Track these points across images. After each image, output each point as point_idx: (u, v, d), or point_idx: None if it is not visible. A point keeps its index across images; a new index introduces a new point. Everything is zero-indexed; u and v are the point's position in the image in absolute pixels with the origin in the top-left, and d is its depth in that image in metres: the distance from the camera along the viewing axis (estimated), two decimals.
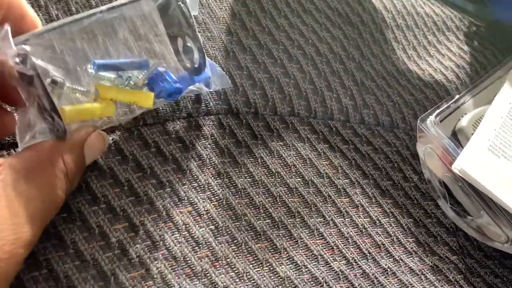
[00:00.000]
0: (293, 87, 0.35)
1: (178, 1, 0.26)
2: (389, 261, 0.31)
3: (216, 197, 0.28)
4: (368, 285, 0.29)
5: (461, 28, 0.49)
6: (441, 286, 0.32)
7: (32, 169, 0.22)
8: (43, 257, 0.23)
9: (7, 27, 0.21)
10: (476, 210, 0.35)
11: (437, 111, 0.36)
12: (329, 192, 0.32)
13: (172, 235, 0.26)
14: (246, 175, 0.30)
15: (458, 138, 0.36)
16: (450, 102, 0.37)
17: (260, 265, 0.27)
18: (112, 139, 0.28)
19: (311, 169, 0.33)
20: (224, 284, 0.26)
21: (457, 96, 0.37)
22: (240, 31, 0.35)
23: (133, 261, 0.25)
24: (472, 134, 0.35)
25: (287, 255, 0.28)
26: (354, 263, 0.30)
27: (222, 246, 0.27)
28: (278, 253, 0.28)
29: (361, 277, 0.30)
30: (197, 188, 0.28)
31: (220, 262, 0.26)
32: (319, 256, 0.29)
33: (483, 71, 0.45)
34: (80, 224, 0.25)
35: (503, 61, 0.42)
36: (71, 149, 0.24)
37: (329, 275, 0.29)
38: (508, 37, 0.49)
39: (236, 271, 0.27)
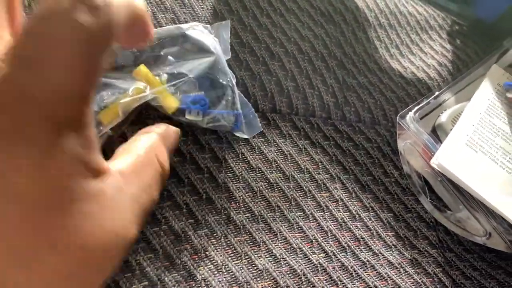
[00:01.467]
0: (275, 84, 0.36)
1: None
2: (368, 254, 0.32)
3: (196, 191, 0.29)
4: (347, 278, 0.30)
5: (444, 27, 0.50)
6: (420, 279, 0.32)
7: (137, 173, 0.21)
8: None
9: None
10: (456, 205, 0.36)
11: (417, 107, 0.36)
12: (309, 187, 0.33)
13: (152, 228, 0.27)
14: (226, 170, 0.31)
15: (437, 134, 0.37)
16: (430, 98, 0.37)
17: (239, 257, 0.28)
18: None
19: (292, 164, 0.33)
20: (203, 276, 0.26)
21: (437, 93, 0.38)
22: None
23: None
24: (451, 130, 0.36)
25: (266, 248, 0.29)
26: (333, 256, 0.30)
27: (201, 240, 0.27)
28: (257, 246, 0.29)
29: (340, 270, 0.30)
30: (176, 182, 0.29)
31: (199, 254, 0.27)
32: (298, 249, 0.30)
33: (465, 69, 0.46)
34: None
35: (484, 59, 0.43)
36: (163, 148, 0.24)
37: (308, 267, 0.29)
38: (490, 35, 0.50)
39: (215, 264, 0.27)
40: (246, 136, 0.32)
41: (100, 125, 0.27)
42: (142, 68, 0.29)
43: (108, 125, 0.27)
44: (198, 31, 0.31)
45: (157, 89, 0.28)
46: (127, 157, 0.21)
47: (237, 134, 0.32)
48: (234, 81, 0.31)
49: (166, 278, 0.26)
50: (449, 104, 0.39)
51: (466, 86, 0.41)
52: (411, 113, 0.36)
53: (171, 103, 0.29)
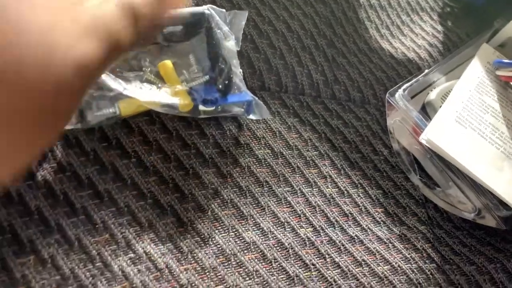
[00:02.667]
0: (263, 62, 0.36)
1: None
2: (356, 229, 0.32)
3: (182, 167, 0.29)
4: (335, 251, 0.30)
5: (435, 9, 0.49)
6: (409, 254, 0.32)
7: None
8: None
9: None
10: (445, 181, 0.36)
11: (406, 85, 0.36)
12: (298, 163, 0.33)
13: (137, 202, 0.27)
14: (213, 146, 0.30)
15: (426, 111, 0.37)
16: (419, 76, 0.37)
17: (226, 230, 0.28)
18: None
19: (281, 141, 0.33)
20: (189, 248, 0.26)
21: (426, 71, 0.38)
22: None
23: (97, 226, 0.25)
24: (440, 107, 0.35)
25: (253, 221, 0.29)
26: (321, 231, 0.30)
27: (187, 213, 0.27)
28: (245, 220, 0.29)
29: (328, 244, 0.30)
30: (162, 158, 0.28)
31: (185, 227, 0.27)
32: (285, 223, 0.30)
33: (456, 50, 0.46)
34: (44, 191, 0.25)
35: (475, 39, 0.43)
36: None
37: (295, 241, 0.29)
38: (481, 17, 0.49)
39: (202, 236, 0.27)
40: (259, 118, 0.32)
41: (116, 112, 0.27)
42: (168, 63, 0.29)
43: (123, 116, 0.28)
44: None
45: (177, 89, 0.28)
46: None
47: (250, 117, 0.32)
48: (238, 71, 0.31)
49: (152, 250, 0.25)
50: (439, 84, 0.39)
51: (456, 66, 0.41)
52: (400, 91, 0.36)
53: (187, 104, 0.29)
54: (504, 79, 0.38)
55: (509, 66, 0.37)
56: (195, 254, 0.26)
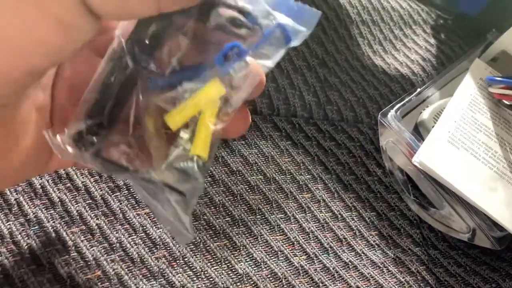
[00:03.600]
0: None
1: None
2: (350, 254, 0.32)
3: None
4: (329, 279, 0.30)
5: (428, 22, 0.49)
6: (403, 277, 0.32)
7: None
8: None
9: None
10: (439, 202, 0.36)
11: (398, 105, 0.36)
12: (291, 188, 0.33)
13: (129, 236, 0.27)
14: (206, 175, 0.30)
15: (419, 131, 0.37)
16: (412, 95, 0.37)
17: (219, 263, 0.28)
18: None
19: (273, 166, 0.33)
20: (181, 283, 0.26)
21: (418, 89, 0.38)
22: None
23: (89, 263, 0.25)
24: (433, 127, 0.35)
25: (246, 252, 0.29)
26: (315, 258, 0.30)
27: (179, 246, 0.27)
28: (237, 251, 0.29)
29: (322, 272, 0.30)
30: None
31: (177, 261, 0.27)
32: (279, 252, 0.30)
33: (449, 64, 0.46)
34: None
35: (468, 52, 0.43)
36: None
37: (289, 270, 0.29)
38: (475, 29, 0.49)
39: (194, 270, 0.27)
40: (306, 30, 0.22)
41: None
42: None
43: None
44: None
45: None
46: None
47: (297, 40, 0.22)
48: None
49: (144, 286, 0.25)
50: (433, 100, 0.39)
51: (450, 81, 0.41)
52: (392, 111, 0.36)
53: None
54: (497, 97, 0.37)
55: (501, 83, 0.37)
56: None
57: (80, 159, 0.19)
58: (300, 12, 0.21)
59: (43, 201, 0.26)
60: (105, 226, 0.26)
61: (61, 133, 0.19)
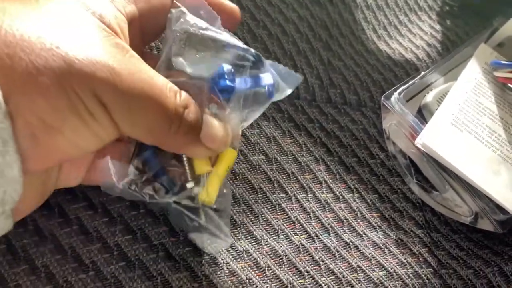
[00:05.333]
0: None
1: None
2: (351, 235, 0.32)
3: None
4: (329, 258, 0.30)
5: (433, 8, 0.49)
6: (405, 259, 0.32)
7: None
8: None
9: None
10: (442, 185, 0.35)
11: (402, 87, 0.36)
12: (293, 169, 0.33)
13: (130, 212, 0.27)
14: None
15: (423, 114, 0.36)
16: (416, 78, 0.37)
17: None
18: None
19: (275, 147, 0.33)
20: (181, 257, 0.26)
21: (422, 73, 0.38)
22: None
23: (90, 236, 0.25)
24: (436, 110, 0.35)
25: (246, 230, 0.29)
26: (315, 237, 0.30)
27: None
28: (238, 228, 0.29)
29: (322, 250, 0.30)
30: None
31: (176, 237, 0.27)
32: (279, 231, 0.30)
33: (454, 50, 0.45)
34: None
35: (473, 38, 0.42)
36: None
37: (289, 248, 0.29)
38: (480, 15, 0.49)
39: (194, 245, 0.27)
40: (289, 92, 0.27)
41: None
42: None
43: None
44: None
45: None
46: None
47: (279, 98, 0.27)
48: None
49: (144, 259, 0.26)
50: (437, 85, 0.39)
51: (455, 67, 0.41)
52: (396, 94, 0.36)
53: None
54: (502, 81, 0.37)
55: (507, 67, 0.37)
56: (187, 263, 0.26)
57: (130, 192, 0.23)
58: (287, 75, 0.27)
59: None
60: (106, 203, 0.27)
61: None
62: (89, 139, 0.19)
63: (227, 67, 0.24)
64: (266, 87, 0.25)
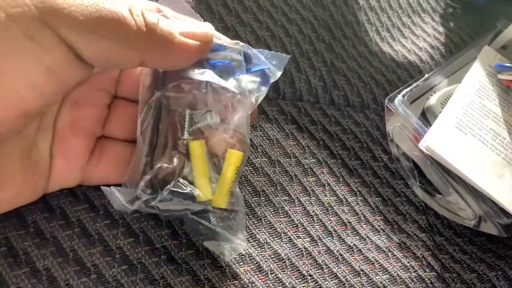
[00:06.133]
0: None
1: None
2: (355, 238, 0.31)
3: None
4: (332, 262, 0.30)
5: (437, 10, 0.49)
6: (408, 262, 0.32)
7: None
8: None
9: None
10: (446, 188, 0.35)
11: (406, 90, 0.36)
12: (295, 171, 0.32)
13: (132, 214, 0.26)
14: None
15: (426, 116, 0.36)
16: (419, 81, 0.37)
17: None
18: None
19: (278, 149, 0.33)
20: (183, 260, 0.26)
21: (426, 75, 0.37)
22: (205, 14, 0.35)
23: (92, 238, 0.25)
24: (440, 112, 0.35)
25: (249, 233, 0.29)
26: (319, 240, 0.30)
27: (181, 226, 0.27)
28: None
29: (325, 254, 0.30)
30: None
31: (179, 240, 0.27)
32: (282, 234, 0.29)
33: (458, 52, 0.45)
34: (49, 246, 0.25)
35: (477, 41, 0.42)
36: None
37: (292, 251, 0.29)
38: (484, 17, 0.49)
39: (196, 248, 0.27)
40: (279, 73, 0.27)
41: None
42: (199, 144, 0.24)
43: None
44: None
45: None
46: None
47: (272, 80, 0.27)
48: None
49: (146, 262, 0.25)
50: (441, 88, 0.39)
51: (458, 69, 0.40)
52: (399, 96, 0.35)
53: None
54: (506, 83, 0.37)
55: (511, 70, 0.37)
56: (189, 267, 0.26)
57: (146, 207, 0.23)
58: (274, 58, 0.27)
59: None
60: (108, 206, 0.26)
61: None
62: (35, 68, 0.18)
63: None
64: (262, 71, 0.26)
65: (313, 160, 0.33)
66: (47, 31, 0.18)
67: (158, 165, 0.23)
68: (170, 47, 0.21)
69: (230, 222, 0.25)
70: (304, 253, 0.29)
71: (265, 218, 0.30)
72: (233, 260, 0.27)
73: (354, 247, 0.31)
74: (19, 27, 0.17)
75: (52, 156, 0.23)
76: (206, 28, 0.23)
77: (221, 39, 0.26)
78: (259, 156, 0.32)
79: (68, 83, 0.20)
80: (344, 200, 0.33)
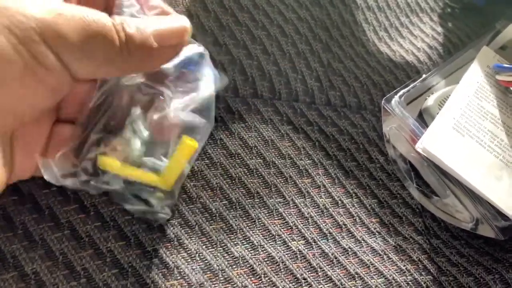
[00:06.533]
0: (256, 69, 0.35)
1: None
2: (350, 241, 0.31)
3: None
4: (327, 265, 0.29)
5: (435, 10, 0.48)
6: (404, 266, 0.31)
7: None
8: None
9: None
10: (443, 190, 0.35)
11: (402, 91, 0.35)
12: (291, 173, 0.32)
13: (123, 216, 0.26)
14: (203, 157, 0.30)
15: (423, 118, 0.36)
16: (417, 81, 0.36)
17: (214, 245, 0.27)
18: None
19: (273, 150, 0.32)
20: (175, 264, 0.26)
21: (424, 76, 0.37)
22: (201, 12, 0.35)
23: (82, 241, 0.25)
24: (437, 114, 0.35)
25: (243, 235, 0.28)
26: (313, 243, 0.30)
27: (174, 228, 0.27)
28: (234, 234, 0.28)
29: (320, 257, 0.29)
30: None
31: (171, 243, 0.26)
32: (276, 236, 0.29)
33: (456, 52, 0.45)
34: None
35: (475, 41, 0.42)
36: None
37: (287, 254, 0.28)
38: (483, 18, 0.48)
39: (189, 252, 0.26)
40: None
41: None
42: (104, 160, 0.24)
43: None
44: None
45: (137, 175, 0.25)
46: None
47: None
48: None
49: (137, 266, 0.25)
50: (438, 88, 0.38)
51: (456, 70, 0.40)
52: (396, 97, 0.35)
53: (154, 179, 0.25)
54: (504, 84, 0.37)
55: (510, 71, 0.36)
56: (181, 270, 0.26)
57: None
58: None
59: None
60: (100, 207, 0.26)
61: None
62: (38, 89, 0.19)
63: None
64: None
65: (308, 161, 0.33)
66: (51, 54, 0.18)
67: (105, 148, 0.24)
68: (150, 58, 0.22)
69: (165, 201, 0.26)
70: (299, 256, 0.29)
71: (259, 220, 0.29)
72: (226, 263, 0.27)
73: (349, 249, 0.30)
74: (27, 51, 0.18)
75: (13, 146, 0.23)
76: (182, 22, 0.23)
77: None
78: (254, 157, 0.31)
79: (61, 96, 0.21)
80: (339, 202, 0.32)
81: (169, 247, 0.26)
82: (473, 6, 0.49)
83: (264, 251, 0.28)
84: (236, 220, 0.28)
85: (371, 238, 0.32)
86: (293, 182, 0.32)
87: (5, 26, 0.17)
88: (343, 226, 0.31)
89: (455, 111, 0.34)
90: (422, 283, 0.31)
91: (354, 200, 0.33)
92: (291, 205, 0.31)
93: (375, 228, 0.32)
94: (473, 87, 0.36)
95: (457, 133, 0.33)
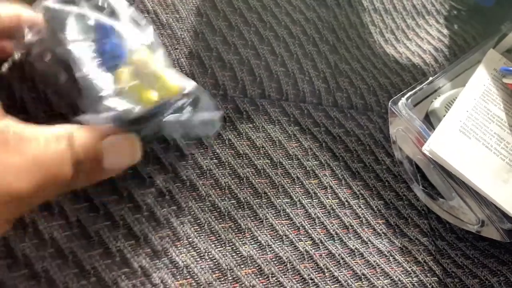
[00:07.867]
0: (264, 69, 0.35)
1: None
2: (356, 242, 0.31)
3: (180, 178, 0.28)
4: (334, 265, 0.29)
5: (441, 12, 0.48)
6: (410, 267, 0.32)
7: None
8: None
9: None
10: (448, 192, 0.35)
11: (410, 93, 0.36)
12: (298, 174, 0.32)
13: (133, 215, 0.26)
14: (212, 156, 0.30)
15: (430, 120, 0.36)
16: (424, 84, 0.37)
17: (223, 244, 0.27)
18: None
19: (280, 150, 0.33)
20: (185, 263, 0.26)
21: (430, 78, 0.37)
22: (210, 12, 0.35)
23: (92, 240, 0.25)
24: (444, 116, 0.35)
25: (251, 235, 0.28)
26: (320, 244, 0.30)
27: (184, 226, 0.27)
28: (242, 233, 0.28)
29: (327, 258, 0.29)
30: (160, 169, 0.28)
31: (181, 241, 0.26)
32: (284, 236, 0.29)
33: (462, 55, 0.45)
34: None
35: (481, 44, 0.42)
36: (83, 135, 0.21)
37: (294, 255, 0.29)
38: (489, 20, 0.48)
39: (198, 250, 0.26)
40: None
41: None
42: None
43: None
44: None
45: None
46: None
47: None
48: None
49: (147, 265, 0.25)
50: (444, 91, 0.38)
51: (462, 72, 0.40)
52: (403, 99, 0.35)
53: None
54: (511, 87, 0.37)
55: None
56: (190, 269, 0.26)
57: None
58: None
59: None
60: (109, 205, 0.26)
61: None
62: None
63: None
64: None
65: (315, 162, 0.33)
66: None
67: None
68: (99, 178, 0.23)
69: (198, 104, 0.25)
70: (306, 257, 0.29)
71: (267, 220, 0.29)
72: (234, 262, 0.27)
73: (355, 250, 0.31)
74: None
75: None
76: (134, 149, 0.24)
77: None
78: (261, 157, 0.32)
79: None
80: (346, 203, 0.32)
81: (179, 246, 0.26)
82: (479, 8, 0.49)
83: (272, 251, 0.28)
84: (244, 220, 0.29)
85: (377, 239, 0.32)
86: (300, 183, 0.32)
87: None
88: (350, 227, 0.31)
89: (461, 113, 0.35)
90: (428, 284, 0.31)
91: (361, 201, 0.33)
92: (298, 206, 0.31)
93: (381, 230, 0.32)
94: (479, 89, 0.36)
95: (464, 135, 0.34)
